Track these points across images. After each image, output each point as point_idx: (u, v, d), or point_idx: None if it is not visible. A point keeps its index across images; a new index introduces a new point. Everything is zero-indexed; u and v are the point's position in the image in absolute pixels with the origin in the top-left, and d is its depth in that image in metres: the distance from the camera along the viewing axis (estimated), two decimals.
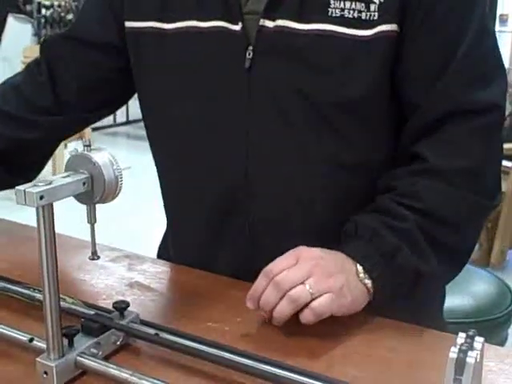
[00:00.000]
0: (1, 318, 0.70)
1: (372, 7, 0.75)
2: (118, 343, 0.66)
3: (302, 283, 0.68)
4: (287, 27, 0.76)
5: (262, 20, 0.77)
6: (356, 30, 0.75)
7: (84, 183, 0.61)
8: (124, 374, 0.60)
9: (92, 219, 0.64)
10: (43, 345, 0.62)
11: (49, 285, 0.59)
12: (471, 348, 0.48)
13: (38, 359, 0.60)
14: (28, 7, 7.14)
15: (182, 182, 0.88)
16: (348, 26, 0.75)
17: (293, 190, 0.80)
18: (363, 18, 0.75)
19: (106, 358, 0.64)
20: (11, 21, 7.08)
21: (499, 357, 0.70)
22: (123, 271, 0.86)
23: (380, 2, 0.75)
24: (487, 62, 0.78)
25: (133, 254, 0.92)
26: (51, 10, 7.24)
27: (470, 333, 0.50)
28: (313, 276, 0.68)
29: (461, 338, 0.49)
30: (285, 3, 0.77)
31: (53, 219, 0.59)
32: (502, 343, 1.11)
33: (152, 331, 0.66)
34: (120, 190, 0.64)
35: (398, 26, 0.75)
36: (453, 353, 0.48)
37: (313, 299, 0.67)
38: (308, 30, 0.76)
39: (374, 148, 0.80)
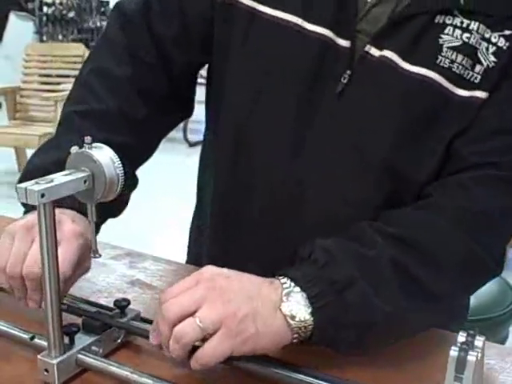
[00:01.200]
0: (2, 316, 0.70)
1: (477, 68, 0.71)
2: (119, 341, 0.66)
3: (193, 314, 0.58)
4: (393, 61, 0.71)
5: (368, 46, 0.72)
6: (456, 88, 0.71)
7: (85, 181, 0.61)
8: (125, 372, 0.60)
9: (93, 217, 0.64)
10: (44, 343, 0.62)
11: (49, 282, 0.59)
12: (472, 347, 0.48)
13: (39, 357, 0.61)
14: (30, 5, 7.15)
15: (236, 180, 0.82)
16: (451, 81, 0.71)
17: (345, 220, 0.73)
18: (465, 76, 0.71)
19: (107, 356, 0.64)
20: (13, 18, 7.08)
21: (500, 355, 0.70)
22: (124, 269, 0.86)
23: (488, 66, 0.71)
24: None
25: (134, 252, 0.92)
26: (53, 8, 7.25)
27: (471, 331, 0.50)
28: (206, 303, 0.58)
29: (462, 336, 0.49)
30: (399, 34, 0.71)
31: (54, 217, 0.59)
32: (503, 341, 1.12)
33: None
34: (121, 188, 0.64)
35: (488, 95, 0.71)
36: (454, 351, 0.48)
37: (208, 335, 0.58)
38: (412, 72, 0.71)
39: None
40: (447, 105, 0.71)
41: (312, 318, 0.61)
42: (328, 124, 0.74)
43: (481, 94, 0.71)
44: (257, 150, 0.79)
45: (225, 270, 0.63)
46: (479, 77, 0.71)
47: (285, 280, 0.63)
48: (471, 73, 0.71)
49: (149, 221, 3.27)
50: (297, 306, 0.61)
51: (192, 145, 5.04)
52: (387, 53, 0.71)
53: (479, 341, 0.49)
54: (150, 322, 0.67)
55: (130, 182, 0.77)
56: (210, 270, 0.62)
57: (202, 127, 0.92)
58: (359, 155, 0.74)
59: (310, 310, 0.61)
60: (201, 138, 0.93)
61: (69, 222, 0.69)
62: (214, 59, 0.82)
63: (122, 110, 0.80)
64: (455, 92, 0.71)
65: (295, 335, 0.61)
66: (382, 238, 0.67)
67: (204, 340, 0.58)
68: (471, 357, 0.47)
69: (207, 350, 0.58)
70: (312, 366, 0.62)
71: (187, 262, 0.97)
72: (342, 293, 0.62)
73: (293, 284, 0.62)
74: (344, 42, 0.73)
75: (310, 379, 0.59)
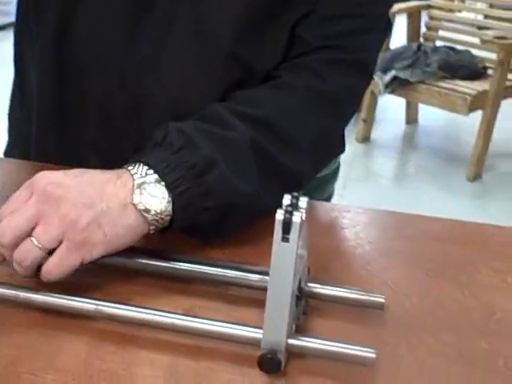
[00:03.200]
0: None
1: None
2: None
3: (30, 234, 0.54)
4: None
5: None
6: None
7: None
8: None
9: None
10: None
11: None
12: (296, 208, 0.50)
13: None
14: None
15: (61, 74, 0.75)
16: None
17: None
18: None
19: None
20: None
21: (326, 211, 0.74)
22: None
23: None
24: (376, 22, 0.74)
25: None
26: None
27: (295, 194, 0.51)
28: (41, 220, 0.54)
29: (286, 199, 0.50)
30: None
31: None
32: (329, 198, 1.18)
33: None
34: None
35: None
36: (279, 214, 0.48)
37: (51, 251, 0.54)
38: None
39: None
40: None
41: (170, 207, 0.58)
42: (170, 7, 0.69)
43: None
44: (86, 36, 0.72)
45: (59, 176, 0.56)
46: None
47: (136, 169, 0.58)
48: None
49: None
50: (151, 198, 0.57)
51: None
52: None
53: (303, 202, 0.50)
54: None
55: None
56: (42, 179, 0.56)
57: (9, 8, 0.82)
58: (202, 43, 0.70)
59: (166, 199, 0.58)
60: (8, 20, 0.83)
61: None
62: None
63: None
64: None
65: (152, 227, 0.58)
66: (239, 120, 0.65)
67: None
68: (296, 217, 0.48)
69: (52, 266, 0.54)
70: (171, 251, 0.61)
71: (8, 155, 0.90)
72: (201, 177, 0.60)
73: (146, 172, 0.58)
74: None
75: (175, 264, 0.59)
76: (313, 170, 0.74)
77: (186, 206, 0.59)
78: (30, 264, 0.54)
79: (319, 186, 1.17)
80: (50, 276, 0.55)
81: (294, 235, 0.48)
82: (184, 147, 0.61)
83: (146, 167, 0.59)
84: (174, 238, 0.62)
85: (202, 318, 0.53)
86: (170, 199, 0.58)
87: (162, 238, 0.61)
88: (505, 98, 2.95)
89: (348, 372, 0.51)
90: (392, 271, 0.64)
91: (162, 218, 0.59)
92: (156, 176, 0.58)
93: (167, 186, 0.58)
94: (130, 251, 0.59)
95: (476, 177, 2.94)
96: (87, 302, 0.54)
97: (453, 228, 0.71)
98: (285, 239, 0.48)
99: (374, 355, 0.50)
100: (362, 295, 0.57)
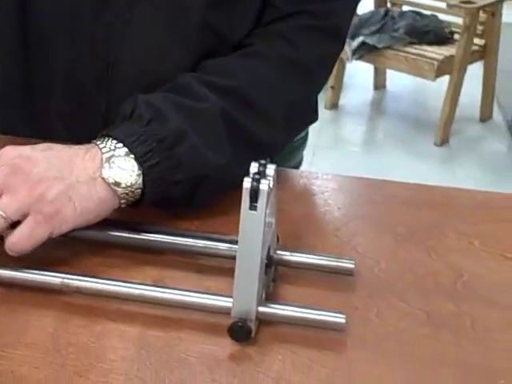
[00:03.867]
0: None
1: None
2: None
3: None
4: None
5: None
6: None
7: None
8: None
9: None
10: None
11: None
12: (264, 175, 0.49)
13: None
14: None
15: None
16: None
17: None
18: None
19: None
20: None
21: (294, 178, 0.74)
22: None
23: None
24: None
25: None
26: None
27: (262, 161, 0.50)
28: (7, 191, 0.53)
29: (253, 167, 0.50)
30: None
31: None
32: (298, 165, 1.18)
33: None
34: None
35: None
36: (247, 182, 0.48)
37: (16, 223, 0.53)
38: None
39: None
40: None
41: (140, 180, 0.57)
42: None
43: None
44: (52, 1, 0.70)
45: (27, 150, 0.56)
46: None
47: (105, 143, 0.57)
48: None
49: None
50: (120, 171, 0.56)
51: None
52: None
53: (270, 169, 0.50)
54: None
55: None
56: (8, 152, 0.55)
57: None
58: (173, 11, 0.69)
59: (136, 173, 0.57)
60: None
61: None
62: None
63: None
64: None
65: (123, 200, 0.58)
66: (210, 91, 0.64)
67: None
68: (263, 185, 0.48)
69: (19, 239, 0.53)
70: (139, 222, 0.60)
71: None
72: (172, 149, 0.59)
73: (115, 146, 0.57)
74: None
75: (143, 235, 0.59)
76: (286, 139, 0.74)
77: (157, 179, 0.58)
78: None
79: (288, 154, 1.16)
80: (17, 248, 0.53)
81: (261, 203, 0.48)
82: (153, 120, 0.59)
83: (115, 141, 0.58)
84: (142, 209, 0.61)
85: (172, 288, 0.53)
86: (140, 172, 0.57)
87: (131, 209, 0.60)
88: (471, 62, 2.96)
89: (318, 337, 0.51)
90: (361, 236, 0.64)
91: (133, 192, 0.58)
92: (125, 149, 0.57)
93: (137, 159, 0.57)
94: (97, 223, 0.58)
95: (443, 141, 2.97)
96: (52, 276, 0.53)
97: (420, 192, 0.72)
98: (252, 207, 0.48)
99: (343, 320, 0.50)
100: (331, 261, 0.57)
